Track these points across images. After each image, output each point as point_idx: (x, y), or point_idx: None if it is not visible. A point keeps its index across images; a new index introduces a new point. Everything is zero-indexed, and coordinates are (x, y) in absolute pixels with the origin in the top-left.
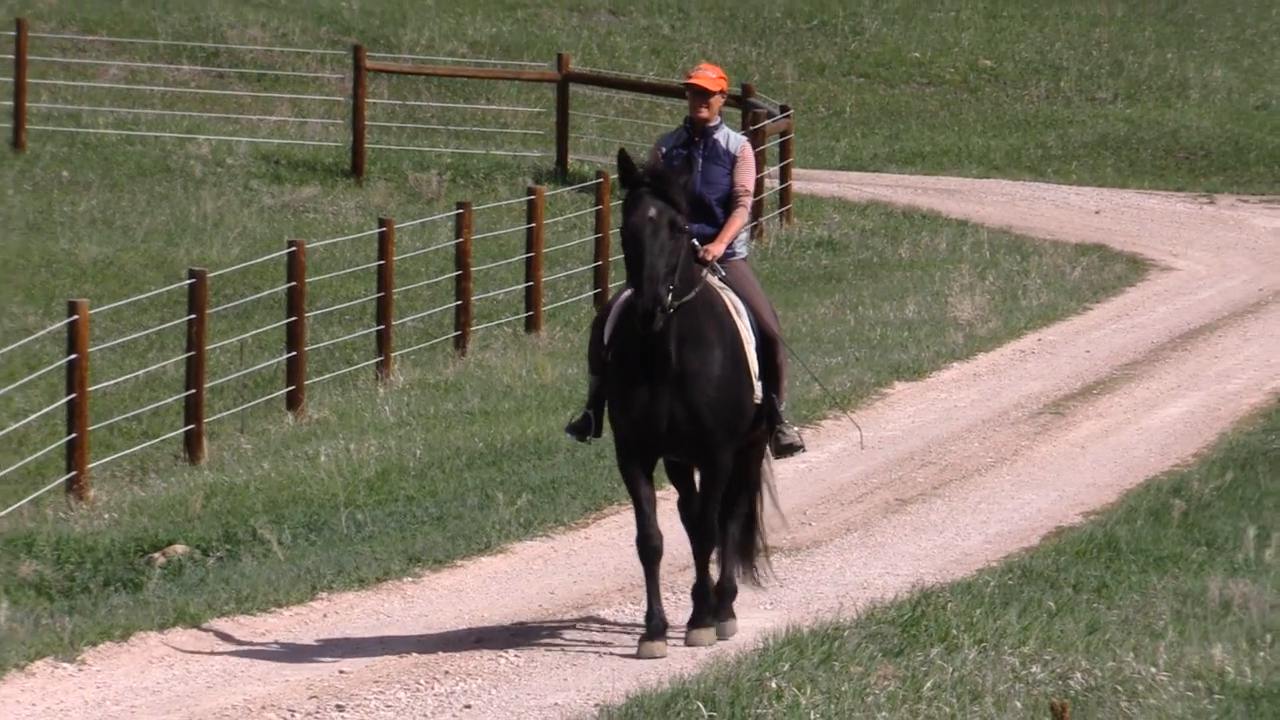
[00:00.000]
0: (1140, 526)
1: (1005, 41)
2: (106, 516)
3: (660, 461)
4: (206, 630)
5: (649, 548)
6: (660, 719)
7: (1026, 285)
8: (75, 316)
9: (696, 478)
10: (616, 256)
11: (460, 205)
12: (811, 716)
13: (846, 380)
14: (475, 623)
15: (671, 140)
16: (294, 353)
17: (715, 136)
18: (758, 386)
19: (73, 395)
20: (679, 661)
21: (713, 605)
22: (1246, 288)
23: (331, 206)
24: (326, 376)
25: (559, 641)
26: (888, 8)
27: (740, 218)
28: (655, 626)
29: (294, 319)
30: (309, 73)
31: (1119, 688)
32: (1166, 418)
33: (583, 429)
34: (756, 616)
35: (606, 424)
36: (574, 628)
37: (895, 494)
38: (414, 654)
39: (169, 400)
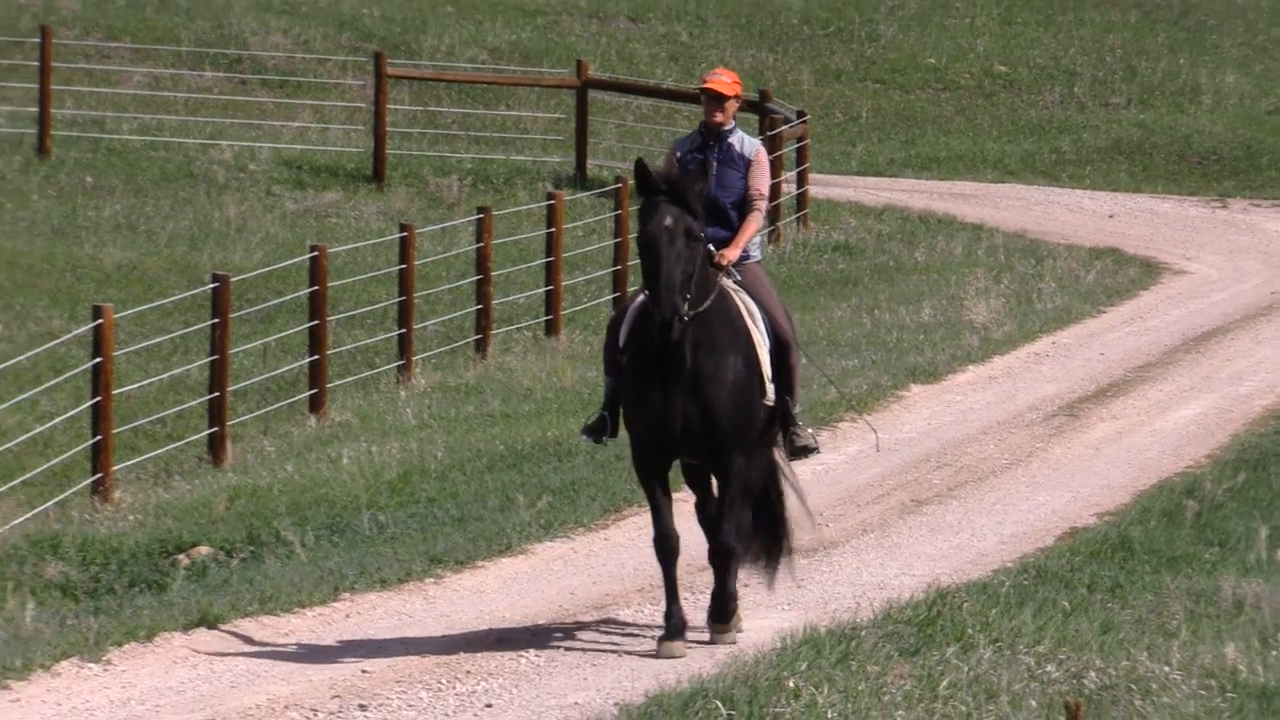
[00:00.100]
0: (1154, 527)
1: (1020, 47)
2: (131, 518)
3: (678, 464)
4: (230, 631)
5: (666, 548)
6: (679, 718)
7: (1041, 289)
8: (100, 320)
9: (714, 481)
10: (635, 261)
11: (481, 210)
12: (829, 715)
13: (863, 383)
14: (496, 623)
15: (686, 144)
16: (316, 356)
17: (730, 140)
18: (770, 389)
19: (98, 398)
20: (698, 661)
21: (729, 591)
22: (1259, 291)
23: (353, 211)
24: (348, 379)
25: (579, 641)
26: (903, 14)
27: (755, 221)
28: (674, 626)
29: (316, 323)
30: (331, 79)
31: (1133, 686)
32: (1179, 419)
33: (598, 430)
34: (774, 617)
35: (622, 426)
36: (594, 628)
37: (911, 495)
38: (436, 654)
39: (193, 403)
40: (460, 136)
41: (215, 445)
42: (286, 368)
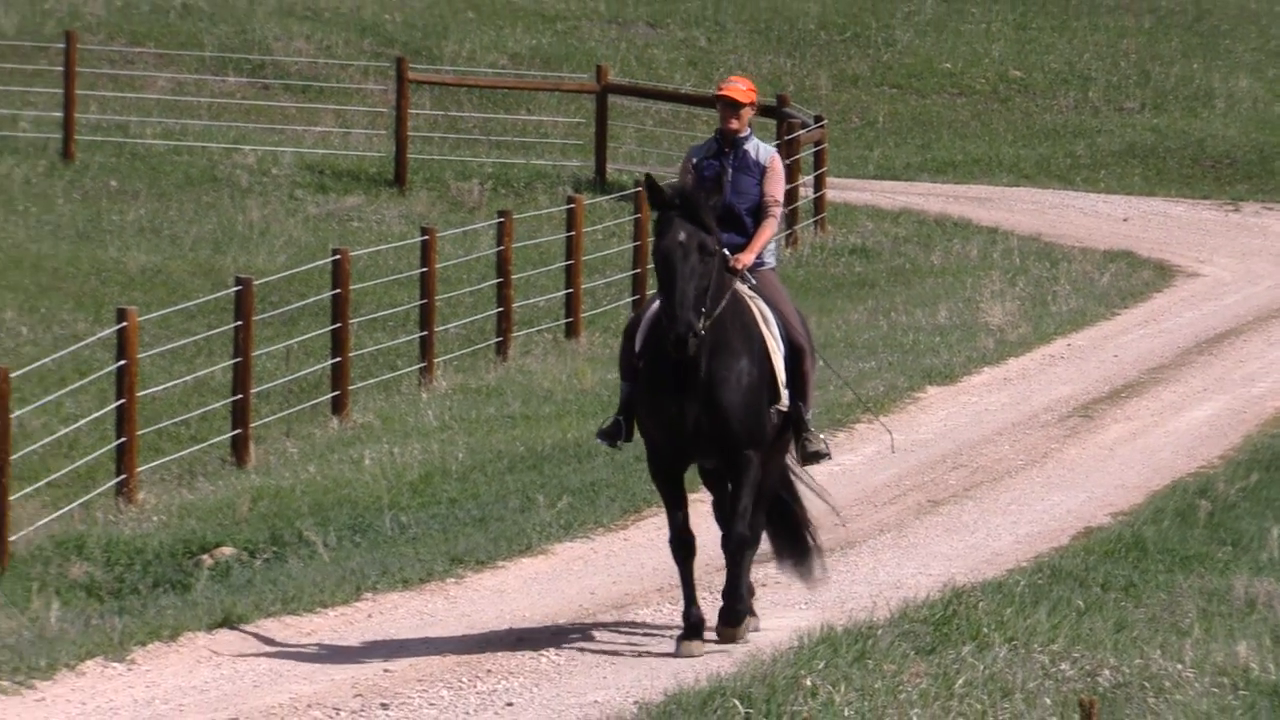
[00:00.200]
0: (1167, 527)
1: (1035, 53)
2: (155, 519)
3: (695, 466)
4: (253, 630)
5: (683, 549)
6: (698, 716)
7: (1056, 291)
8: (124, 323)
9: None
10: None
11: (501, 214)
12: (846, 713)
13: (880, 384)
14: (517, 622)
15: (701, 151)
16: (339, 358)
17: (745, 147)
18: (785, 394)
19: (122, 400)
20: (716, 660)
21: (740, 593)
22: (1271, 293)
23: (375, 215)
24: (370, 382)
25: (598, 640)
26: (920, 20)
27: (770, 228)
28: (692, 625)
29: (338, 325)
30: (353, 84)
31: (1146, 684)
32: (1193, 420)
33: (614, 434)
34: (791, 615)
35: (637, 430)
36: (613, 627)
37: (927, 495)
38: (457, 653)
39: (216, 405)
40: (481, 141)
41: (238, 447)
42: (309, 370)
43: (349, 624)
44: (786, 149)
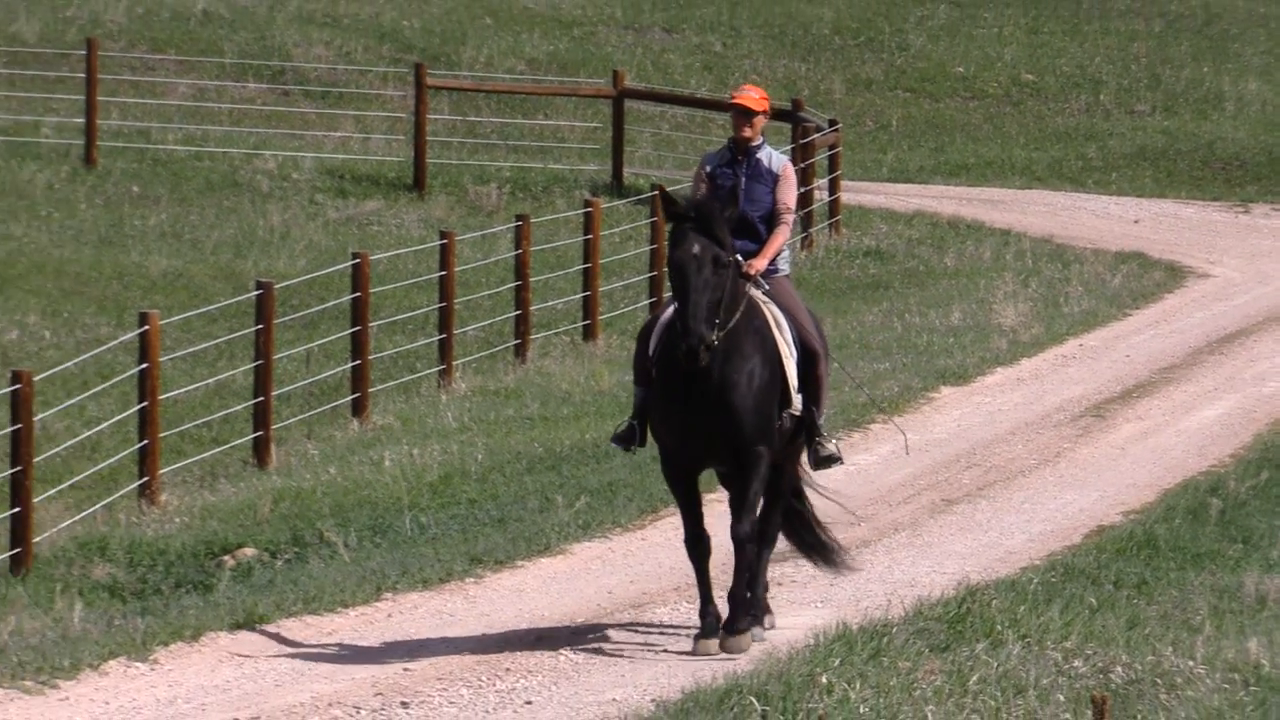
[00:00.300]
0: (1178, 525)
1: (1046, 56)
2: (177, 520)
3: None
4: (275, 630)
5: (698, 549)
6: (715, 713)
7: (1068, 292)
8: (146, 327)
9: None
10: None
11: (519, 218)
12: (861, 710)
13: (894, 385)
14: (535, 621)
15: (715, 159)
16: (359, 361)
17: (758, 155)
18: (797, 399)
19: (144, 403)
20: (733, 658)
21: (743, 599)
22: None
23: (394, 219)
24: (390, 384)
25: (616, 639)
26: (932, 24)
27: (782, 235)
28: (709, 624)
29: (358, 328)
30: (372, 90)
31: (1158, 681)
32: (1204, 419)
33: (627, 439)
34: (807, 614)
35: (650, 434)
36: (631, 626)
37: (942, 495)
38: (476, 652)
39: (238, 408)
40: (499, 145)
41: (260, 448)
42: (329, 372)
43: (369, 623)
44: (801, 152)
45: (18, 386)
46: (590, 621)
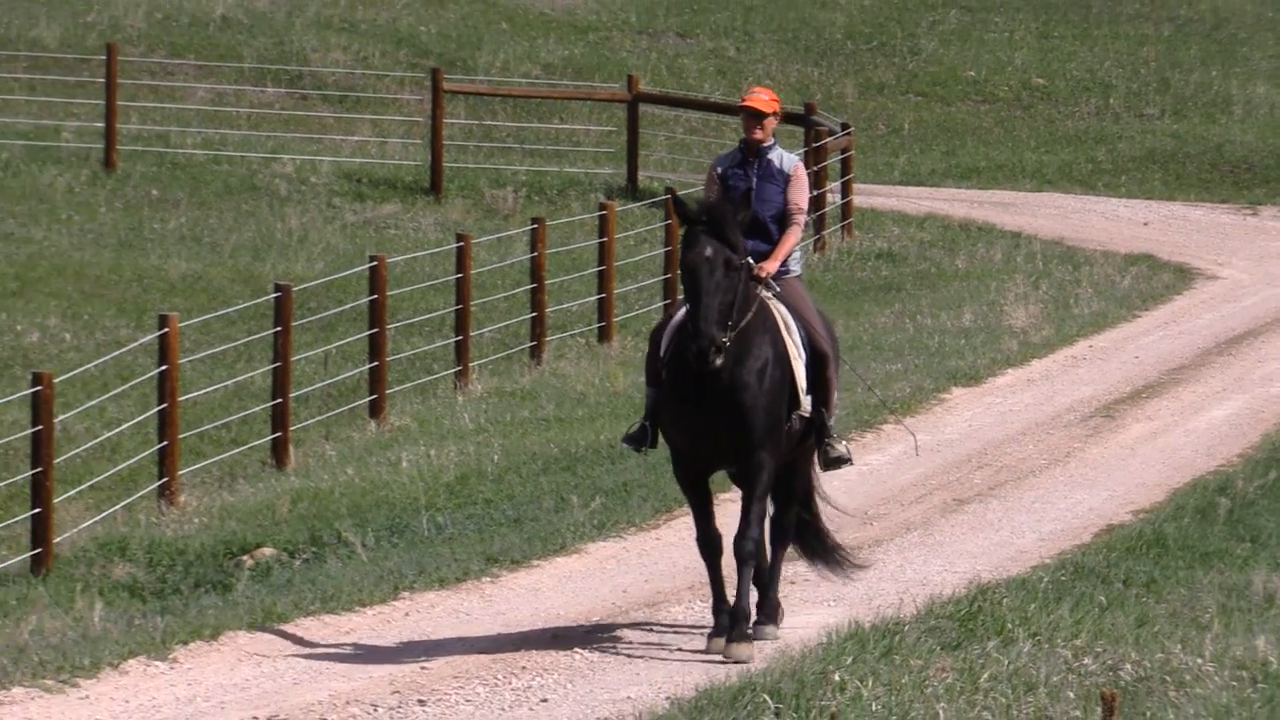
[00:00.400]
0: (1187, 524)
1: (1057, 60)
2: (197, 521)
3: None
4: (293, 629)
5: (710, 548)
6: (729, 711)
7: (1078, 294)
8: (166, 329)
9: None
10: None
11: (535, 221)
12: (873, 708)
13: (906, 386)
14: (551, 620)
15: (726, 161)
16: (376, 363)
17: (769, 157)
18: (806, 401)
19: (164, 405)
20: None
21: (746, 613)
22: None
23: (411, 223)
24: (407, 385)
25: (631, 638)
26: (944, 29)
27: (794, 235)
28: (722, 623)
29: (376, 330)
30: (389, 94)
31: (1167, 678)
32: (1212, 420)
33: (639, 440)
34: (820, 613)
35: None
36: (646, 624)
37: (953, 494)
38: (492, 650)
39: (256, 409)
40: (515, 149)
41: (278, 450)
42: (347, 374)
43: (387, 622)
44: (814, 156)
45: (39, 388)
46: (605, 620)
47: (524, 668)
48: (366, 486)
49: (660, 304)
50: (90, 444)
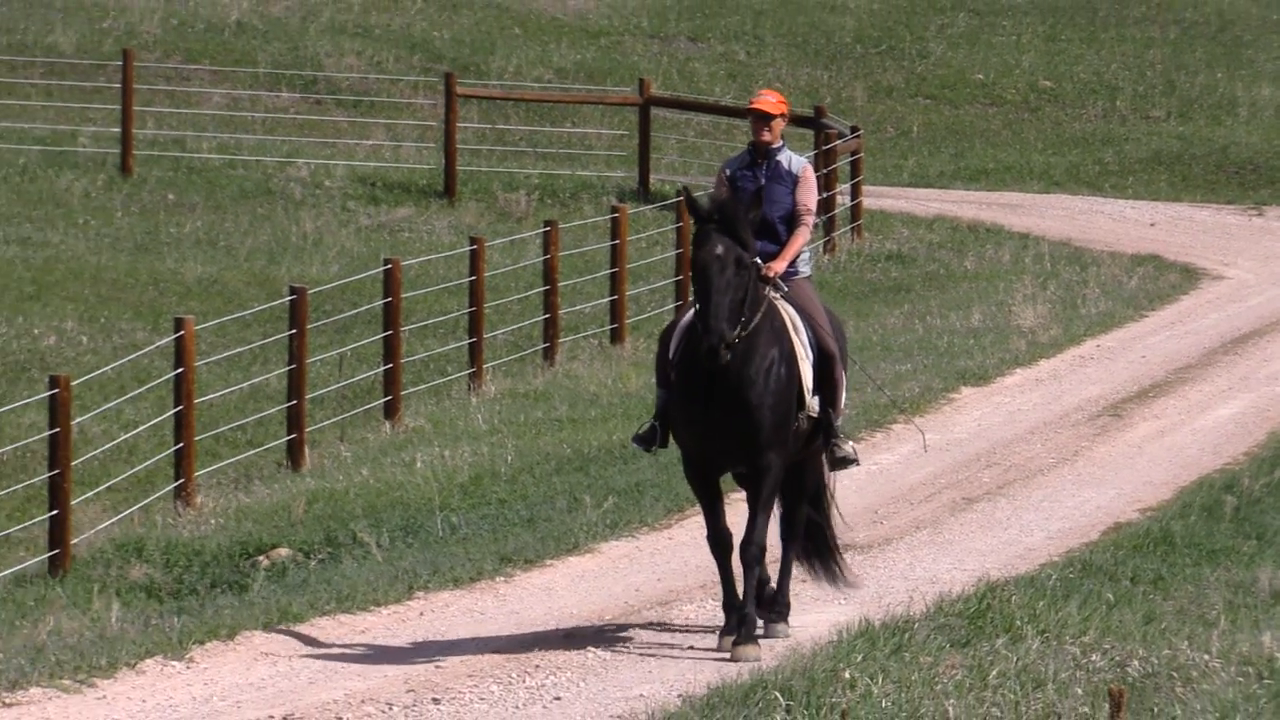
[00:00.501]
0: (1194, 521)
1: (1064, 63)
2: (213, 522)
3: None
4: (308, 629)
5: (720, 547)
6: (740, 708)
7: (1085, 294)
8: (182, 332)
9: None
10: None
11: (547, 223)
12: (883, 705)
13: (915, 386)
14: (564, 619)
15: (735, 163)
16: (390, 365)
17: (778, 158)
18: (814, 401)
19: (180, 407)
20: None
21: (752, 618)
22: None
23: (425, 226)
24: (422, 387)
25: (644, 636)
26: (952, 32)
27: (802, 236)
28: (733, 621)
29: (390, 333)
30: (403, 99)
31: (1174, 674)
32: (1218, 418)
33: (649, 440)
34: (831, 611)
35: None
36: (658, 623)
37: (962, 493)
38: (506, 649)
39: (272, 411)
40: (528, 153)
41: (294, 451)
42: (362, 376)
43: (401, 622)
44: (824, 158)
45: (56, 391)
46: (618, 619)
47: (537, 666)
48: (381, 487)
49: (672, 305)
50: (107, 446)
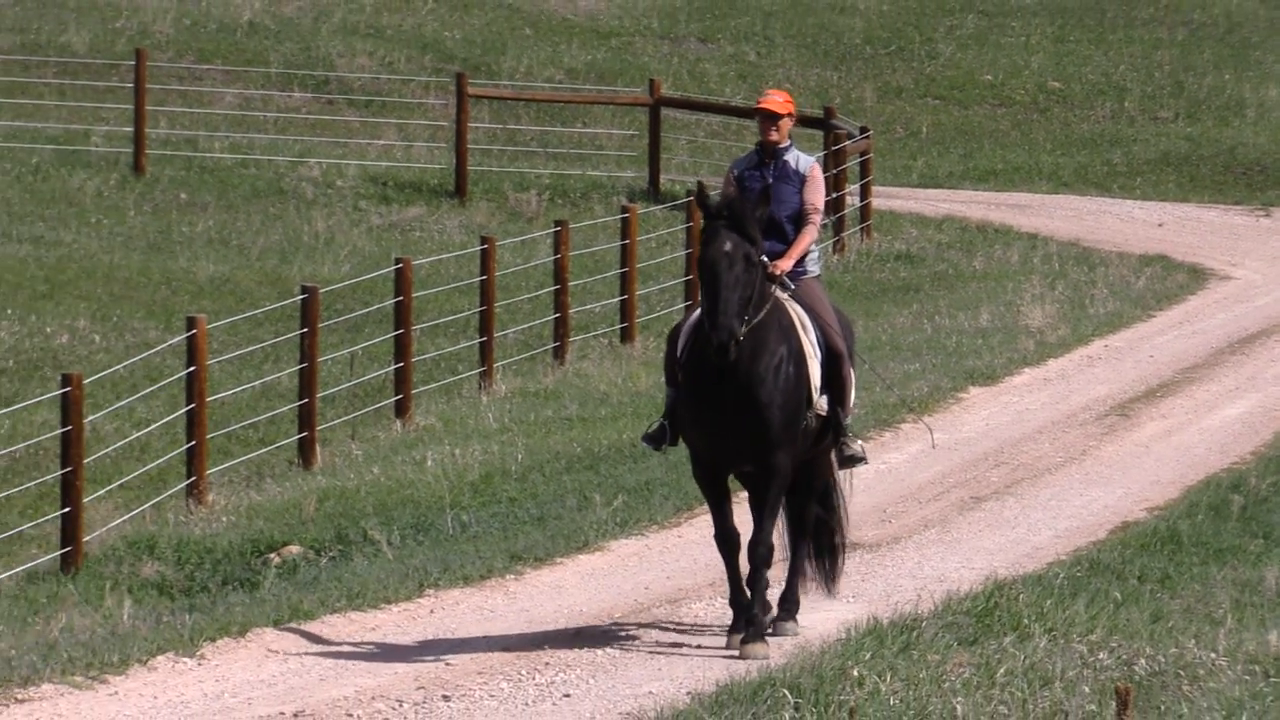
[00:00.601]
0: (1201, 520)
1: (1073, 64)
2: (225, 519)
3: None
4: (319, 626)
5: (728, 544)
6: (749, 706)
7: (1093, 294)
8: (194, 331)
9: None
10: None
11: (558, 223)
12: (891, 702)
13: (924, 385)
14: (574, 617)
15: (743, 163)
16: (401, 363)
17: (785, 158)
18: (822, 400)
19: (192, 405)
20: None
21: (760, 617)
22: None
23: (436, 225)
24: (432, 385)
25: (653, 634)
26: (961, 33)
27: (809, 235)
28: (741, 619)
29: (401, 332)
30: (414, 99)
31: (1181, 672)
32: (1226, 418)
33: (658, 439)
34: (839, 609)
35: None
36: (667, 621)
37: (970, 492)
38: (516, 647)
39: (283, 409)
40: (538, 153)
41: (305, 449)
42: (373, 374)
43: (412, 619)
44: (833, 159)
45: (68, 389)
46: (627, 617)
47: (547, 663)
48: (392, 485)
49: (682, 305)
50: (119, 444)
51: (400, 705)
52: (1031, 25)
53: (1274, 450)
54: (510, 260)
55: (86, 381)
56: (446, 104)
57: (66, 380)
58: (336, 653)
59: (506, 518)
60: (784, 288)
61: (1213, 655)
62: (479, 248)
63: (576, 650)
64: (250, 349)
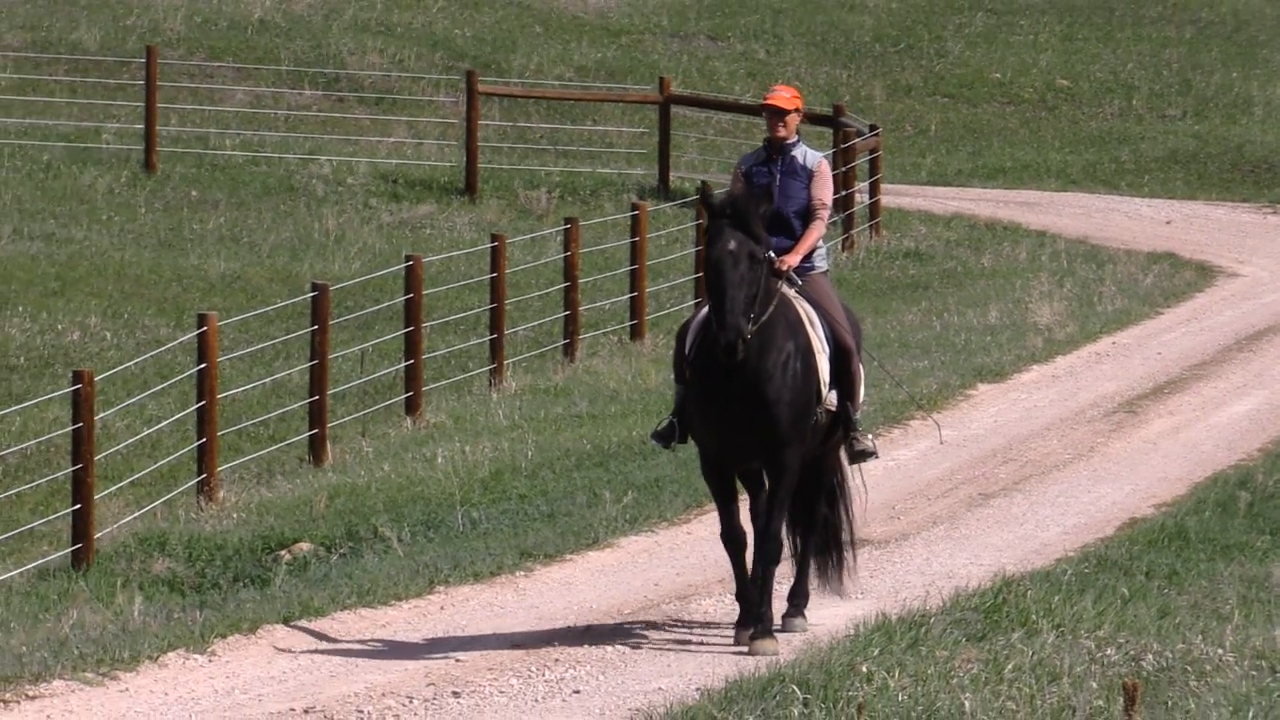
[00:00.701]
0: (1208, 517)
1: (1081, 62)
2: (235, 516)
3: None
4: (330, 623)
5: (734, 542)
6: (758, 702)
7: (1102, 292)
8: (205, 328)
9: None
10: None
11: (568, 221)
12: (900, 698)
13: (933, 382)
14: (584, 613)
15: (751, 159)
16: (412, 361)
17: (793, 154)
18: (831, 395)
19: (203, 402)
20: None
21: (768, 613)
22: None
23: (446, 223)
24: (443, 383)
25: (662, 630)
26: (970, 31)
27: (816, 230)
28: (748, 615)
29: (412, 329)
30: (425, 97)
31: (1188, 668)
32: (1233, 415)
33: (667, 436)
34: (847, 605)
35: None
36: (677, 617)
37: (978, 489)
38: (526, 643)
39: (294, 406)
40: (548, 151)
41: (315, 446)
42: (383, 372)
43: (422, 616)
44: (842, 157)
45: (79, 386)
46: (637, 613)
47: (557, 660)
48: (402, 482)
49: (691, 302)
50: (130, 441)
51: (410, 701)
52: (1040, 23)
53: None
54: (520, 257)
55: (98, 378)
56: (457, 102)
57: (78, 377)
58: (347, 649)
59: (516, 514)
60: (790, 283)
61: (1220, 651)
62: (489, 245)
63: (586, 647)
64: (261, 346)
